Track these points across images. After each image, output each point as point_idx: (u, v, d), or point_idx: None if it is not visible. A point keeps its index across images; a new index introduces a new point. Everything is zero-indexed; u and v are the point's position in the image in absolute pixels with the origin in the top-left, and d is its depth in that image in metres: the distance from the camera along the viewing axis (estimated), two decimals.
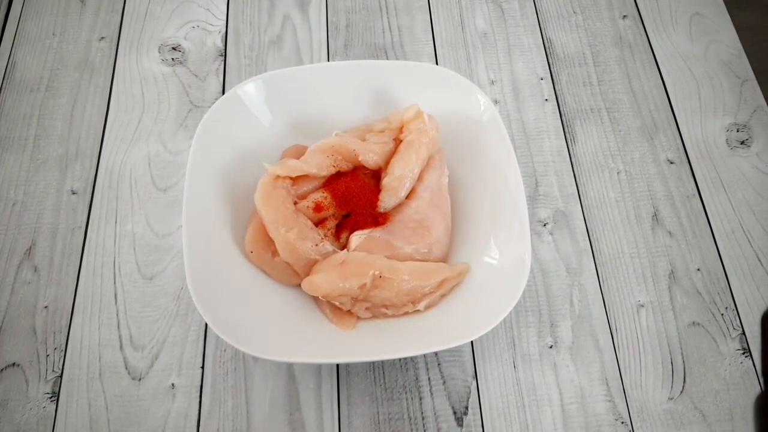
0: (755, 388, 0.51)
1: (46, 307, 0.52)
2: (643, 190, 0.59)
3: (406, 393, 0.50)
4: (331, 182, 0.51)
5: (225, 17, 0.67)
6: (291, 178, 0.49)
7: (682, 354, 0.52)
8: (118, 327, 0.51)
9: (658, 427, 0.49)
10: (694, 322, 0.53)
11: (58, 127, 0.60)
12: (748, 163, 0.61)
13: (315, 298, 0.48)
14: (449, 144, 0.53)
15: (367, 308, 0.47)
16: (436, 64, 0.65)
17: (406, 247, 0.48)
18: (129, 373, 0.50)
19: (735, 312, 0.53)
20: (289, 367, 0.50)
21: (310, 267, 0.47)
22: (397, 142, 0.52)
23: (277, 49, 0.65)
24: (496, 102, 0.63)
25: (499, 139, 0.50)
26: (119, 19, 0.67)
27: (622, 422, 0.49)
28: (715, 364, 0.51)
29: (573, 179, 0.59)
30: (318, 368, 0.50)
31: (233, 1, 0.68)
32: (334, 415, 0.49)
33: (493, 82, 0.64)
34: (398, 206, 0.50)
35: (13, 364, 0.50)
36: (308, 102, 0.53)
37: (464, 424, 0.49)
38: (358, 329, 0.47)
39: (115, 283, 0.53)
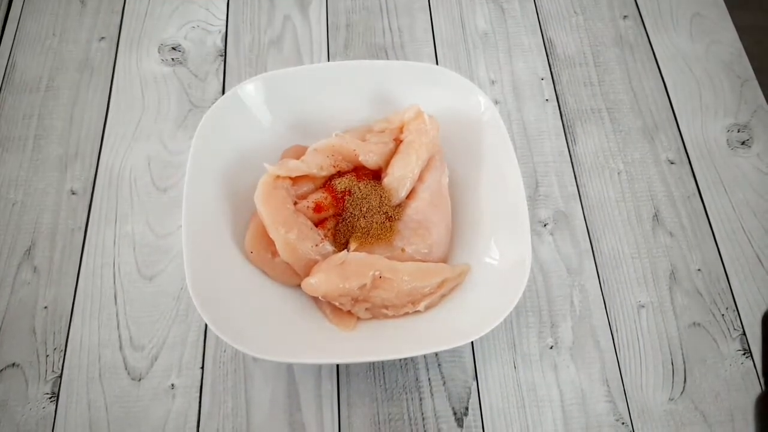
0: (756, 389, 0.51)
1: (45, 307, 0.52)
2: (643, 190, 0.59)
3: (406, 393, 0.50)
4: (331, 182, 0.51)
5: (225, 17, 0.67)
6: (291, 179, 0.49)
7: (682, 354, 0.52)
8: (118, 327, 0.51)
9: (658, 427, 0.49)
10: (694, 323, 0.53)
11: (57, 128, 0.60)
12: (748, 163, 0.60)
13: (315, 299, 0.48)
14: (449, 144, 0.53)
15: (367, 309, 0.47)
16: (437, 64, 0.65)
17: (407, 247, 0.48)
18: (129, 373, 0.50)
19: (735, 312, 0.53)
20: (289, 367, 0.50)
21: (310, 267, 0.47)
22: (398, 142, 0.52)
23: (277, 49, 0.65)
24: (496, 102, 0.63)
25: (499, 140, 0.50)
26: (119, 19, 0.67)
27: (623, 423, 0.49)
28: (716, 365, 0.51)
29: (573, 179, 0.59)
30: (318, 369, 0.50)
31: (233, 1, 0.68)
32: (334, 415, 0.49)
33: (493, 82, 0.64)
34: (398, 206, 0.50)
35: (13, 364, 0.50)
36: (308, 102, 0.53)
37: (464, 424, 0.49)
38: (358, 330, 0.47)
39: (114, 283, 0.53)
